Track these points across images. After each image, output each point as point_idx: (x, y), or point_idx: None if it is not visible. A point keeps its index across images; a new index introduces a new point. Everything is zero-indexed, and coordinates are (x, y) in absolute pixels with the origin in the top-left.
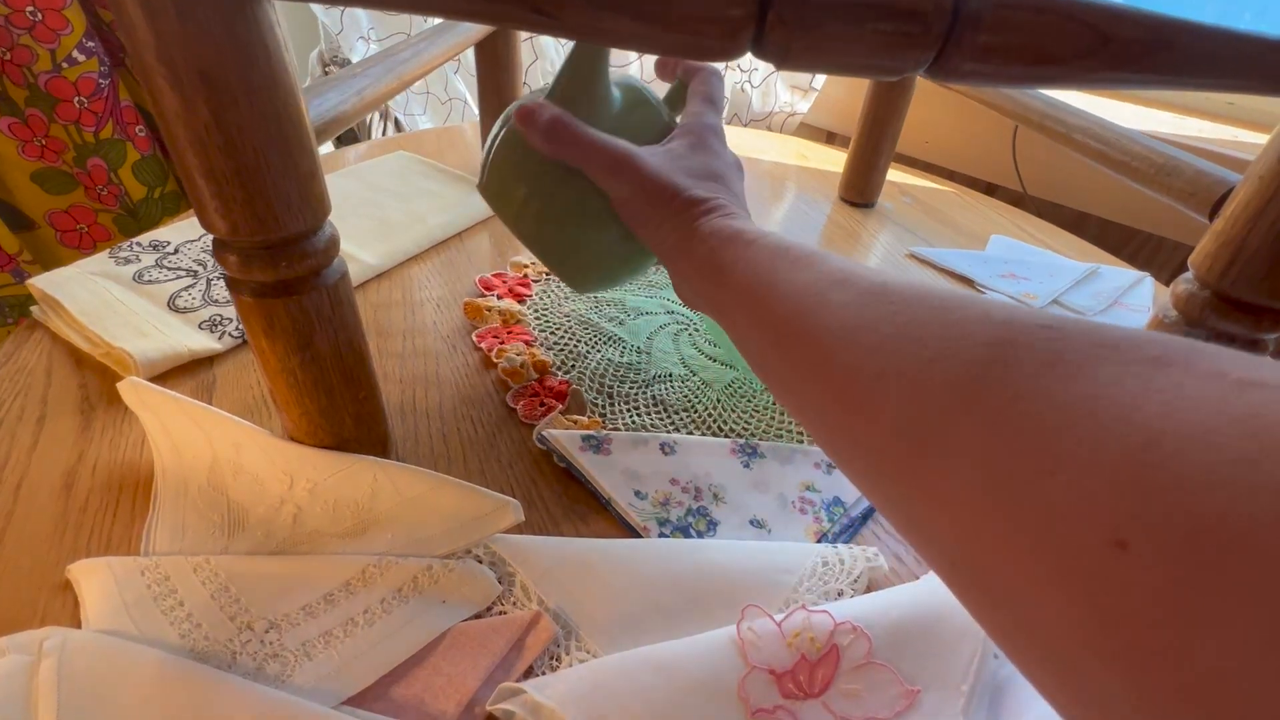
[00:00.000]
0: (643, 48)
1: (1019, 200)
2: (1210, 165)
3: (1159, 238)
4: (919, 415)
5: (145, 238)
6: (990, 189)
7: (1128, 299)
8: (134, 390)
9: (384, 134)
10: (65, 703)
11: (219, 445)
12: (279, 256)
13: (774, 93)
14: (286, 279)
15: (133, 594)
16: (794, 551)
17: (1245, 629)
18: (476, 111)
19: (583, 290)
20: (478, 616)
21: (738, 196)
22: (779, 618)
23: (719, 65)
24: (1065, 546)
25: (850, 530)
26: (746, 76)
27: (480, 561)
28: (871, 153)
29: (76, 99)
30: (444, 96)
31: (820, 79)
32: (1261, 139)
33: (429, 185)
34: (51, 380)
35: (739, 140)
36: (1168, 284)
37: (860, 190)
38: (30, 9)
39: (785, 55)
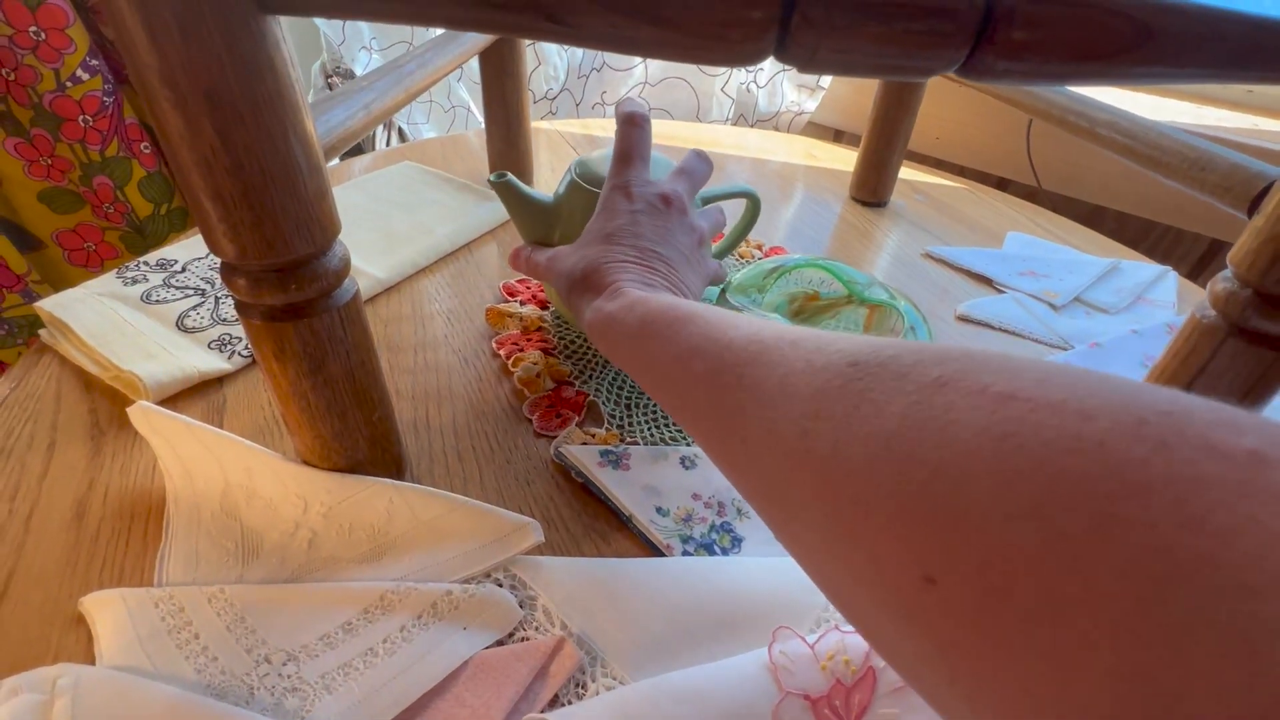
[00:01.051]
0: (663, 54)
1: (1033, 195)
2: (1246, 159)
3: (1178, 230)
4: (772, 479)
5: (152, 256)
6: (1003, 184)
7: (1151, 294)
8: (144, 416)
9: (388, 144)
10: None
11: (231, 470)
12: (289, 279)
13: (780, 92)
14: (297, 302)
15: (147, 627)
16: None
17: (1037, 655)
18: (480, 119)
19: None
20: (500, 643)
21: (635, 243)
22: (811, 640)
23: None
24: (890, 585)
25: None
26: (752, 77)
27: (501, 585)
28: (883, 150)
29: (81, 117)
30: (447, 105)
31: (827, 78)
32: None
33: (435, 195)
34: (61, 405)
35: (746, 141)
36: (1189, 276)
37: (872, 189)
38: (33, 29)
39: (811, 59)
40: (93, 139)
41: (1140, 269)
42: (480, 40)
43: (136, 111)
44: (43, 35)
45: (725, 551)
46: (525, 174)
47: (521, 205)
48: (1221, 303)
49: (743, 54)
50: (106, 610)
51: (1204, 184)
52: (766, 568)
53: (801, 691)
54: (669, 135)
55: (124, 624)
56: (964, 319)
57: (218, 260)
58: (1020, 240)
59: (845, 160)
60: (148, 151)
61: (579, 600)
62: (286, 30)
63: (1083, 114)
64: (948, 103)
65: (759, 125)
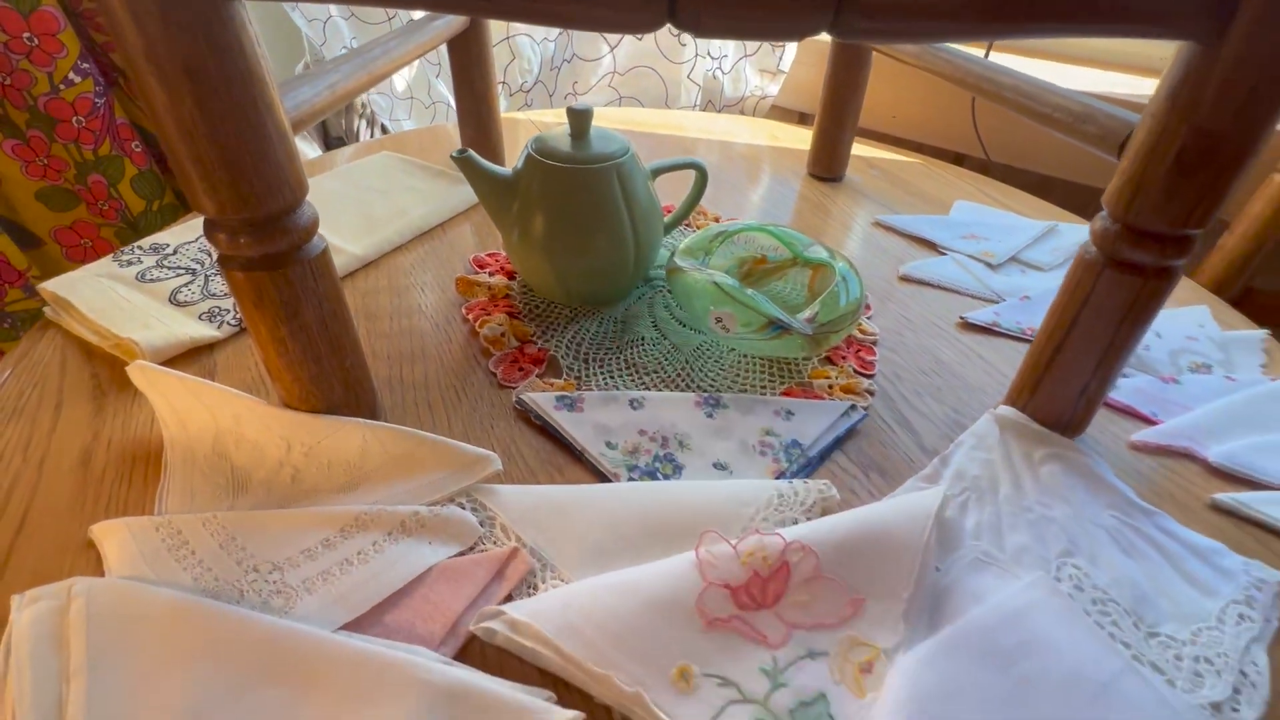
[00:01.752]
0: (570, 24)
1: (985, 168)
2: (1118, 110)
3: None
4: None
5: (146, 241)
6: (959, 159)
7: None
8: (142, 372)
9: (372, 135)
10: (94, 637)
11: (221, 417)
12: (263, 232)
13: (744, 78)
14: (271, 253)
15: (149, 547)
16: (752, 486)
17: None
18: None
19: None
20: (462, 555)
21: None
22: (735, 541)
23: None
24: None
25: (807, 468)
26: (717, 64)
27: (463, 508)
28: (835, 128)
29: (75, 119)
30: (428, 101)
31: (787, 61)
32: None
33: (411, 181)
34: (66, 372)
35: (713, 126)
36: None
37: (827, 165)
38: (27, 34)
39: (699, 26)
40: (86, 139)
41: (1077, 230)
42: (443, 30)
43: (127, 112)
44: (35, 40)
45: (667, 478)
46: (497, 159)
47: (482, 179)
48: (1098, 238)
49: (638, 21)
50: (112, 536)
51: (1085, 135)
52: (701, 488)
53: (723, 582)
54: (639, 122)
55: (128, 545)
56: (905, 279)
57: (206, 243)
58: (966, 208)
59: (805, 140)
60: (139, 150)
61: (532, 518)
62: (265, 29)
63: (992, 79)
64: (902, 83)
65: (726, 110)
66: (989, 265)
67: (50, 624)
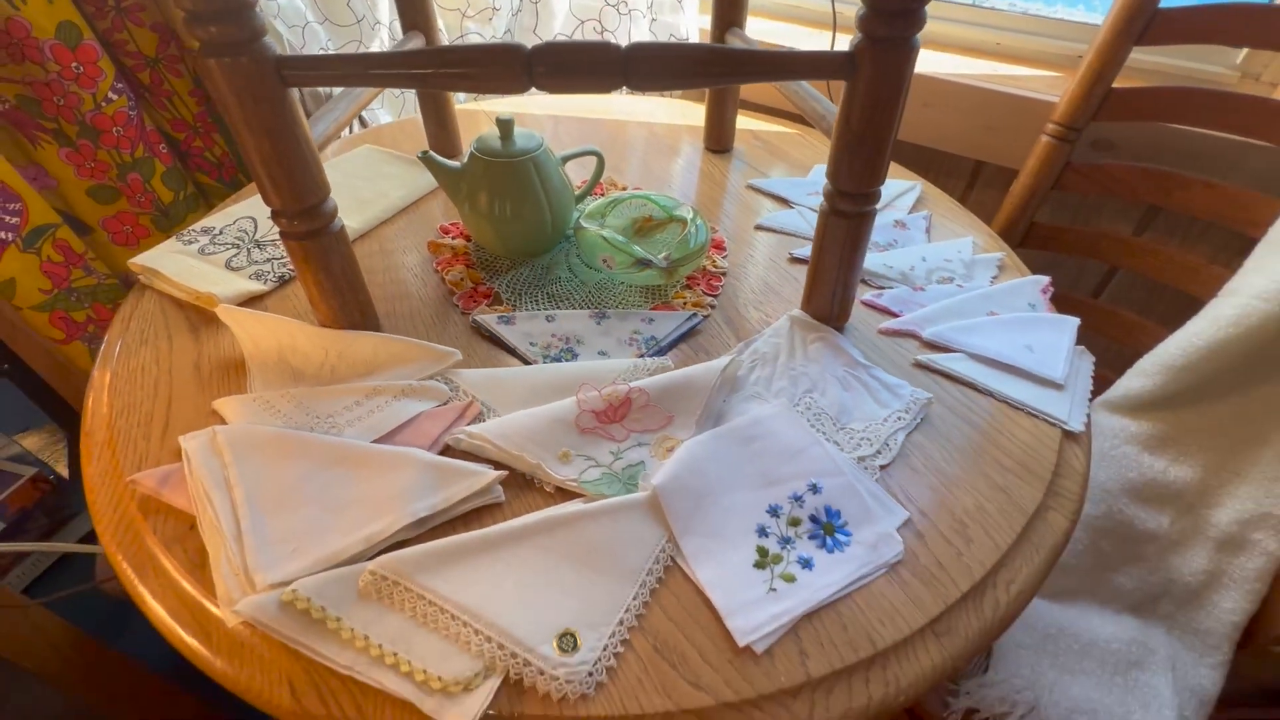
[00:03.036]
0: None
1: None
2: (828, 104)
3: (953, 154)
4: None
5: (198, 226)
6: None
7: (898, 202)
8: (225, 311)
9: (351, 131)
10: (234, 449)
11: (280, 336)
12: (306, 217)
13: None
14: (312, 229)
15: (251, 410)
16: (620, 362)
17: None
18: None
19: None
20: (439, 408)
21: None
22: (602, 389)
23: None
24: None
25: (659, 354)
26: None
27: (438, 381)
28: (719, 108)
29: (114, 129)
30: (398, 92)
31: None
32: (1027, 71)
33: (389, 169)
34: (167, 317)
35: (635, 108)
36: (963, 191)
37: (718, 139)
38: (75, 64)
39: (546, 88)
40: (124, 145)
41: (898, 184)
42: None
43: (155, 122)
44: (81, 68)
45: (567, 362)
46: (454, 148)
47: (440, 171)
48: (825, 196)
49: (508, 88)
50: (228, 405)
51: (821, 123)
52: (587, 364)
53: (590, 409)
54: (571, 106)
55: (238, 409)
56: (760, 228)
57: (244, 228)
58: (821, 170)
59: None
60: (165, 151)
61: (482, 386)
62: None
63: (788, 90)
64: None
65: (649, 93)
66: None
67: (207, 446)
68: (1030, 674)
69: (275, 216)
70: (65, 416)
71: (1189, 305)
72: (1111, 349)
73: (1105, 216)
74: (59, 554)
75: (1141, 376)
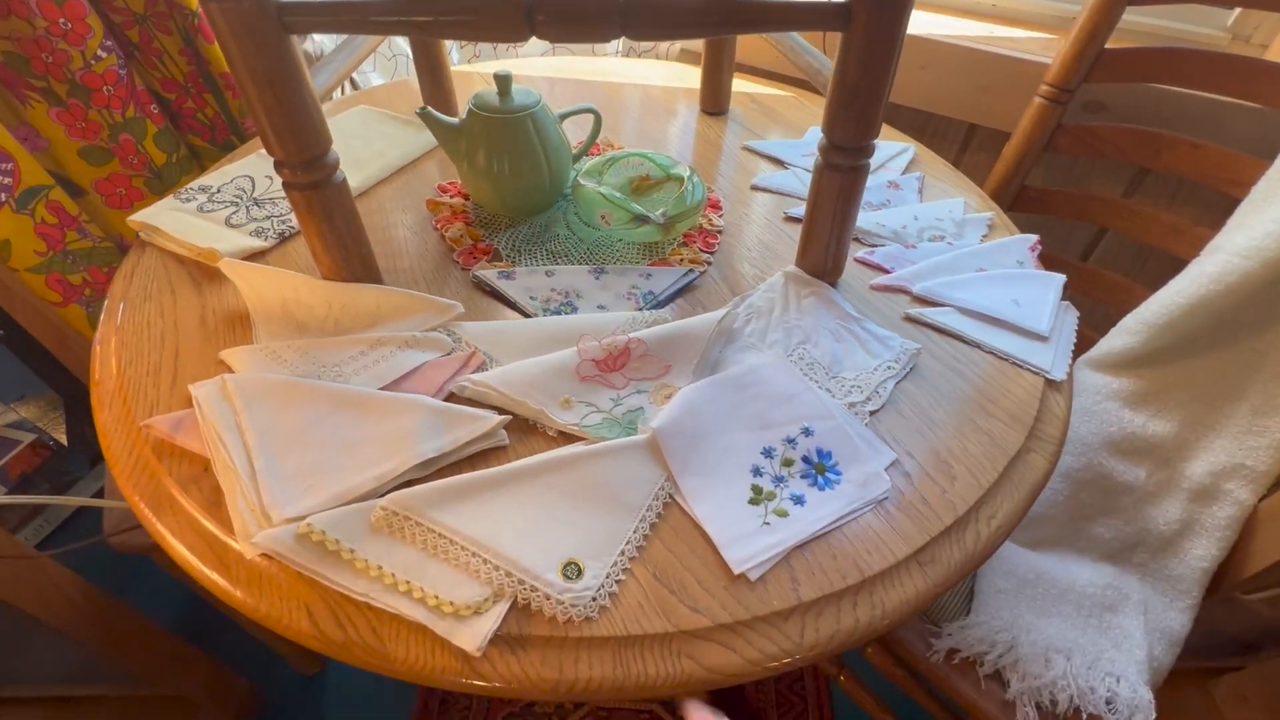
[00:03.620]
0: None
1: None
2: (823, 58)
3: (947, 118)
4: None
5: (195, 184)
6: None
7: (891, 163)
8: (229, 265)
9: (343, 93)
10: (244, 394)
11: (284, 290)
12: (308, 168)
13: None
14: (314, 180)
15: (258, 359)
16: (618, 314)
17: None
18: None
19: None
20: (443, 358)
21: None
22: (602, 339)
23: None
24: None
25: (657, 307)
26: None
27: (440, 332)
28: (715, 70)
29: (104, 88)
30: (389, 54)
31: None
32: (1022, 33)
33: (386, 129)
34: (169, 272)
35: (631, 70)
36: (956, 154)
37: (714, 101)
38: (62, 20)
39: (548, 36)
40: (115, 104)
41: (892, 146)
42: None
43: (145, 81)
44: (69, 25)
45: (565, 313)
46: (450, 108)
47: (438, 127)
48: (820, 150)
49: (506, 36)
50: (235, 355)
51: (820, 82)
52: (589, 318)
53: (590, 358)
54: (566, 68)
55: (246, 359)
56: (756, 188)
57: (242, 186)
58: (816, 131)
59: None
60: (156, 112)
61: (484, 337)
62: None
63: (788, 47)
64: None
65: (644, 56)
66: None
67: (217, 392)
68: (1009, 616)
69: (278, 167)
70: (63, 383)
71: (1174, 267)
72: (1098, 310)
73: (1095, 180)
74: (65, 517)
75: (1124, 334)
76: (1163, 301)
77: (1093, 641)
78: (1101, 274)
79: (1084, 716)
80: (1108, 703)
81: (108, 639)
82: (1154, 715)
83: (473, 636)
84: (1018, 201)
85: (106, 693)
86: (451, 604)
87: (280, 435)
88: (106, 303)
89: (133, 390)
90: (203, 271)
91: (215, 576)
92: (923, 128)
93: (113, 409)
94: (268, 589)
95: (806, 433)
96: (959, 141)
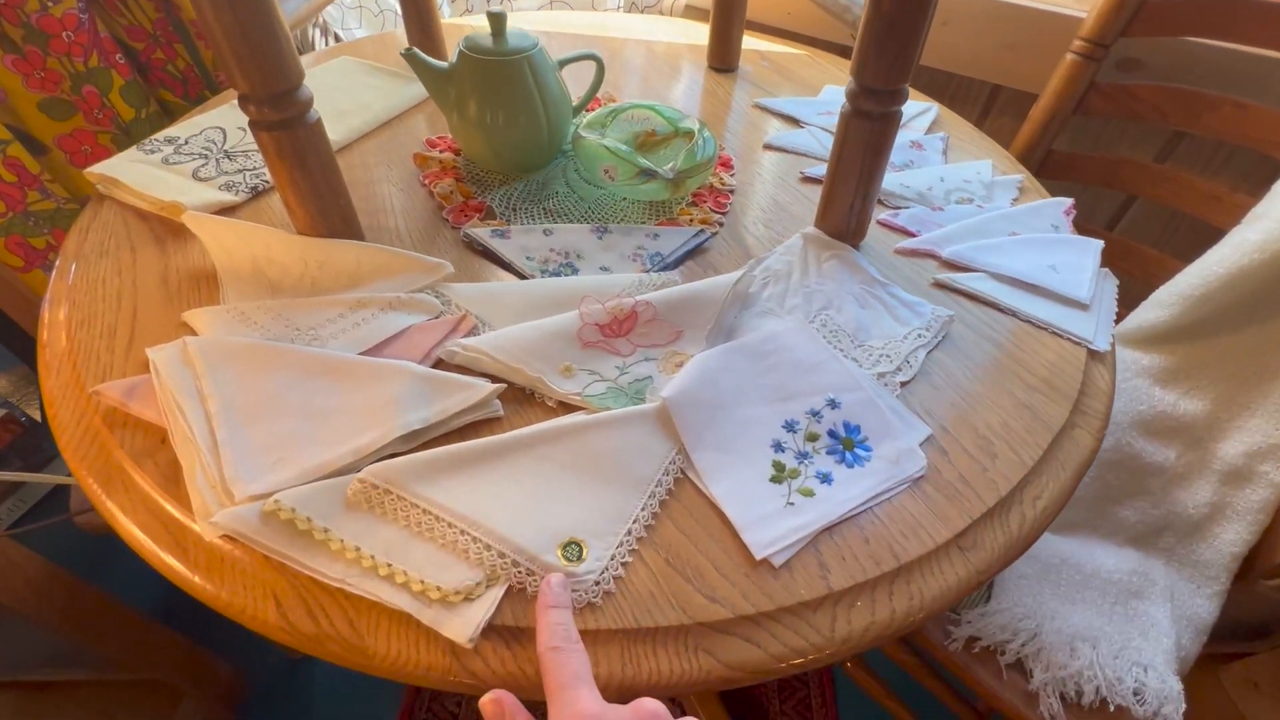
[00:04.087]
0: None
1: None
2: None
3: (969, 78)
4: None
5: (160, 135)
6: (846, 51)
7: (914, 122)
8: (194, 219)
9: (327, 43)
10: (208, 358)
11: (255, 246)
12: (278, 103)
13: None
14: (285, 118)
15: (225, 321)
16: (623, 276)
17: None
18: None
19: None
20: (431, 321)
21: None
22: (605, 302)
23: None
24: None
25: (665, 269)
26: None
27: (429, 294)
28: (725, 25)
29: (64, 34)
30: (376, 10)
31: None
32: None
33: (370, 81)
34: (129, 227)
35: (633, 25)
36: (980, 115)
37: (722, 57)
38: None
39: None
40: (76, 52)
41: (914, 105)
42: None
43: (108, 27)
44: None
45: (565, 275)
46: (440, 57)
47: (426, 71)
48: (848, 96)
49: None
50: (199, 317)
51: (845, 21)
52: (592, 280)
53: (594, 322)
54: (565, 23)
55: (211, 321)
56: (768, 146)
57: (212, 138)
58: (832, 90)
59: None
60: (122, 62)
61: (476, 299)
62: None
63: None
64: None
65: (647, 11)
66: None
67: (177, 356)
68: (1032, 603)
69: (243, 103)
70: (32, 355)
71: (1208, 238)
72: (1125, 283)
73: (1125, 145)
74: (40, 497)
75: (1157, 308)
76: (1200, 273)
77: (1119, 629)
78: (1130, 245)
79: (1110, 708)
80: (1135, 693)
81: (75, 623)
82: (1184, 706)
83: (463, 626)
84: (1044, 167)
85: (84, 678)
86: (439, 589)
87: (246, 403)
88: (58, 261)
89: (83, 354)
90: (166, 227)
91: (171, 560)
92: (942, 89)
93: (60, 375)
94: (229, 574)
95: (833, 405)
96: (981, 104)
